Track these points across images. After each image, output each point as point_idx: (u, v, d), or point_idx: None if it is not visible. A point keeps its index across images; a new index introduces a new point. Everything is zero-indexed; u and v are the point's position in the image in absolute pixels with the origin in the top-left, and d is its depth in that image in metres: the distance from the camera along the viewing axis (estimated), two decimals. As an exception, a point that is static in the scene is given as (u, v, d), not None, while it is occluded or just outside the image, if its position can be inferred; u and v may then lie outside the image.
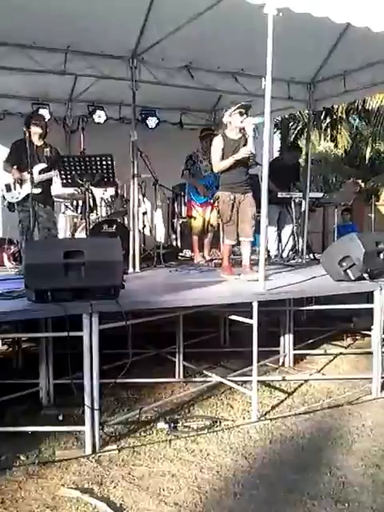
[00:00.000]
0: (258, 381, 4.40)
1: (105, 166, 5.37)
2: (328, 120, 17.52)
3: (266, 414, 4.26)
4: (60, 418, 4.10)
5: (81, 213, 7.01)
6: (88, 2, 5.16)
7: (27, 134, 5.22)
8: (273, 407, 4.41)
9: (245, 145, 5.10)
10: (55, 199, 6.35)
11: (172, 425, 3.95)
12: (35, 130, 5.74)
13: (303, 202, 7.42)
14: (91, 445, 3.58)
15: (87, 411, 3.59)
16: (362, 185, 13.25)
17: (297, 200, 7.44)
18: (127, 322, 3.74)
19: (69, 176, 5.38)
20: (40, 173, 5.70)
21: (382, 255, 4.87)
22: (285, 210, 7.63)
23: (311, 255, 7.39)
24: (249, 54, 5.66)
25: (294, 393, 4.74)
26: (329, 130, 17.87)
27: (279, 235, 7.95)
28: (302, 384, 4.94)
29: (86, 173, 5.34)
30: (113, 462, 3.45)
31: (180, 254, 8.05)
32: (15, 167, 5.73)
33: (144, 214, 7.14)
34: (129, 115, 7.15)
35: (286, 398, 4.61)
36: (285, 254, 7.70)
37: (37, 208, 5.79)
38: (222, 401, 4.54)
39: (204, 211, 6.92)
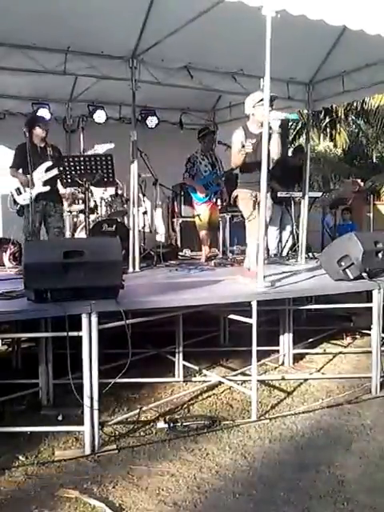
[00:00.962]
0: (258, 380, 4.41)
1: (104, 166, 5.38)
2: (327, 119, 17.52)
3: (265, 414, 4.26)
4: (59, 418, 4.11)
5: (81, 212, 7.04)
6: (88, 2, 5.17)
7: (28, 135, 5.23)
8: (272, 406, 4.41)
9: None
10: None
11: (171, 424, 3.95)
12: (38, 133, 5.76)
13: (302, 202, 7.42)
14: (90, 445, 3.58)
15: (86, 411, 3.59)
16: (362, 184, 13.25)
17: (297, 199, 7.47)
18: (127, 321, 3.73)
19: (69, 176, 5.39)
20: (46, 171, 5.70)
21: (380, 254, 4.87)
22: (285, 210, 7.66)
23: (310, 254, 7.40)
24: (248, 54, 5.65)
25: (293, 392, 4.74)
26: (328, 129, 17.87)
27: (280, 235, 7.97)
28: (301, 383, 4.94)
29: (85, 173, 5.35)
30: (112, 462, 3.46)
31: (180, 253, 8.06)
32: (20, 171, 5.76)
33: (144, 213, 7.15)
34: (129, 115, 7.16)
35: (285, 398, 4.61)
36: (284, 253, 7.72)
37: (48, 208, 5.81)
38: (221, 400, 4.54)
39: (206, 209, 6.96)
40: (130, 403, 4.47)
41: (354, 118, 17.84)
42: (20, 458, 3.50)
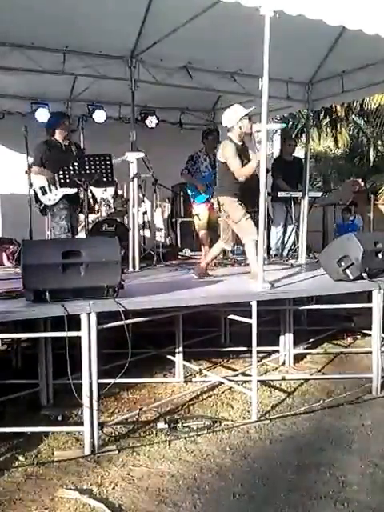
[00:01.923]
0: (258, 380, 4.40)
1: (104, 166, 5.36)
2: (327, 119, 17.50)
3: (266, 414, 4.25)
4: (59, 418, 4.10)
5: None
6: (87, 2, 5.16)
7: (52, 132, 5.20)
8: (273, 407, 4.40)
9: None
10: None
11: (172, 425, 3.94)
12: (63, 130, 5.76)
13: (303, 201, 7.42)
14: (90, 445, 3.57)
15: (86, 411, 3.58)
16: (362, 184, 13.22)
17: (298, 199, 7.47)
18: (126, 321, 3.72)
19: (67, 176, 5.37)
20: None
21: (380, 255, 4.86)
22: (288, 209, 7.66)
23: (311, 254, 7.39)
24: (247, 54, 5.62)
25: (294, 392, 4.73)
26: (328, 129, 17.86)
27: (283, 234, 7.96)
28: (302, 383, 4.93)
29: (84, 172, 5.33)
30: (112, 463, 3.44)
31: (180, 253, 8.06)
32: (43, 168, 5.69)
33: (144, 213, 7.14)
34: (128, 115, 7.15)
35: (286, 398, 4.60)
36: (285, 253, 7.71)
37: (71, 210, 5.75)
38: (222, 401, 4.53)
39: (205, 209, 6.94)
40: (130, 403, 4.45)
41: (354, 117, 17.82)
42: (20, 458, 3.49)
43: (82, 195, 6.03)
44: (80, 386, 3.57)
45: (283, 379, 5.01)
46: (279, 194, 7.44)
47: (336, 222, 9.08)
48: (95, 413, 3.59)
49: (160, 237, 8.74)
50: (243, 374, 5.01)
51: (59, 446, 3.68)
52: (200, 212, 6.93)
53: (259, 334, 4.17)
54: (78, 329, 3.55)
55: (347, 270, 4.72)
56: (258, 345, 4.17)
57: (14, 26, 5.36)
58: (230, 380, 4.79)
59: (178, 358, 5.01)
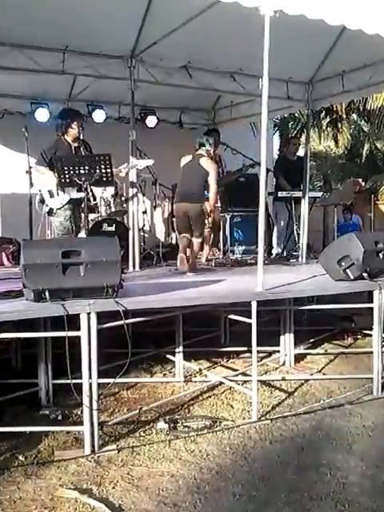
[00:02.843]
0: (259, 380, 4.39)
1: (103, 166, 5.34)
2: (328, 119, 17.49)
3: (266, 414, 4.24)
4: (59, 417, 4.09)
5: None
6: (86, 2, 5.15)
7: (64, 131, 5.26)
8: (273, 407, 4.39)
9: None
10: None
11: (172, 425, 3.94)
12: (75, 129, 5.63)
13: (303, 201, 7.41)
14: (90, 445, 3.56)
15: (86, 411, 3.58)
16: (363, 184, 13.21)
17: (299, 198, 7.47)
18: (126, 321, 3.72)
19: (67, 175, 5.34)
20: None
21: (381, 255, 4.85)
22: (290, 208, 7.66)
23: (311, 254, 7.38)
24: (247, 53, 5.64)
25: (294, 392, 4.72)
26: (329, 128, 17.84)
27: (286, 233, 7.94)
28: (302, 384, 4.92)
29: (84, 172, 5.31)
30: (112, 463, 3.44)
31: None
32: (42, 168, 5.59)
33: (144, 212, 7.13)
34: (128, 114, 7.15)
35: (286, 398, 4.59)
36: (285, 253, 7.70)
37: (76, 212, 5.70)
38: (222, 401, 4.52)
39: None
40: (130, 403, 4.45)
41: (355, 117, 17.82)
42: (19, 457, 3.48)
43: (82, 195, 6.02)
44: (80, 386, 3.57)
45: (283, 379, 5.01)
46: (280, 194, 7.44)
47: (337, 223, 9.06)
48: (95, 412, 3.59)
49: (160, 236, 8.72)
50: (243, 374, 5.01)
51: (59, 445, 3.68)
52: None
53: (259, 334, 4.16)
54: (78, 328, 3.54)
55: (348, 270, 4.71)
56: (258, 345, 4.16)
57: (14, 26, 5.34)
58: (230, 380, 4.79)
59: (178, 358, 5.01)
